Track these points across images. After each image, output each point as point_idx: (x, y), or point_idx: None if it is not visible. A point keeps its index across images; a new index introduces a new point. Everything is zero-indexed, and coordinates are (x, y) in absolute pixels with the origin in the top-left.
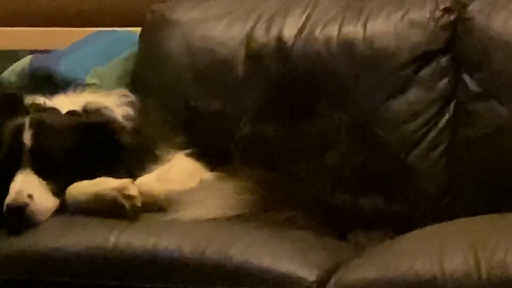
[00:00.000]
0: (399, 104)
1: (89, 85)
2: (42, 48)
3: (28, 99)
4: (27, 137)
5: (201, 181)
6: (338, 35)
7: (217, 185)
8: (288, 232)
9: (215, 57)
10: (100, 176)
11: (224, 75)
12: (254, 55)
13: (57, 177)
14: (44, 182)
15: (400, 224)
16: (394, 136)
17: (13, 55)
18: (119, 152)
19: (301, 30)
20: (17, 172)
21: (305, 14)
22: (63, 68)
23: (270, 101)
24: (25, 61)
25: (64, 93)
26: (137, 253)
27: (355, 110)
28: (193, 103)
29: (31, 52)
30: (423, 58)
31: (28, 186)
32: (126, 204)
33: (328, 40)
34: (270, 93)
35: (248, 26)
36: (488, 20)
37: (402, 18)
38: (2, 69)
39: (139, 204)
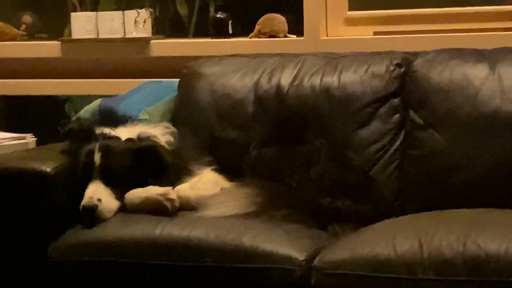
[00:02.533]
0: (364, 133)
1: (141, 120)
2: (108, 93)
3: (98, 130)
4: (97, 157)
5: (222, 189)
6: (320, 83)
7: (233, 192)
8: (284, 225)
9: (232, 99)
10: (149, 185)
11: (238, 113)
12: (260, 98)
13: (119, 186)
14: (109, 190)
15: (365, 219)
16: (361, 156)
17: (88, 99)
18: (163, 168)
19: (293, 80)
20: (90, 183)
21: (296, 69)
22: (123, 108)
23: (271, 131)
24: (96, 103)
25: (124, 125)
26: (176, 240)
27: (332, 138)
28: (216, 133)
29: (100, 96)
30: (381, 99)
31: (97, 193)
32: (168, 205)
33: (313, 87)
34: (271, 126)
35: (256, 77)
36: (427, 72)
37: (366, 71)
38: (79, 109)
39: (177, 205)
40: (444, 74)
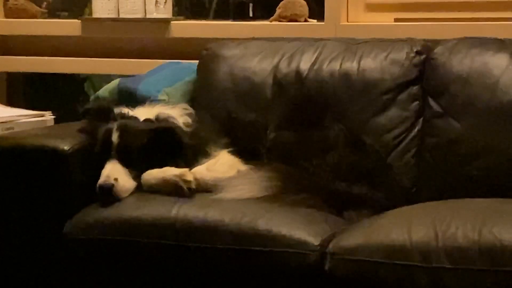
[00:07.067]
0: (382, 119)
1: (160, 100)
2: (128, 73)
3: (116, 110)
4: (115, 137)
5: (238, 171)
6: (339, 69)
7: (250, 175)
8: (300, 210)
9: (251, 82)
10: (166, 166)
11: (257, 95)
12: (279, 82)
13: (136, 166)
14: (126, 169)
15: (381, 205)
16: (378, 142)
17: (107, 78)
18: (180, 149)
19: (313, 64)
20: (107, 162)
21: (316, 53)
22: (142, 88)
23: (289, 115)
24: (115, 82)
25: (142, 106)
26: (192, 222)
27: (350, 123)
28: (234, 115)
29: (120, 76)
30: (400, 86)
31: (114, 172)
32: (184, 186)
33: (332, 72)
34: (289, 110)
35: (275, 61)
36: (447, 60)
37: (386, 57)
38: (98, 88)
39: (194, 186)
40: (464, 63)
